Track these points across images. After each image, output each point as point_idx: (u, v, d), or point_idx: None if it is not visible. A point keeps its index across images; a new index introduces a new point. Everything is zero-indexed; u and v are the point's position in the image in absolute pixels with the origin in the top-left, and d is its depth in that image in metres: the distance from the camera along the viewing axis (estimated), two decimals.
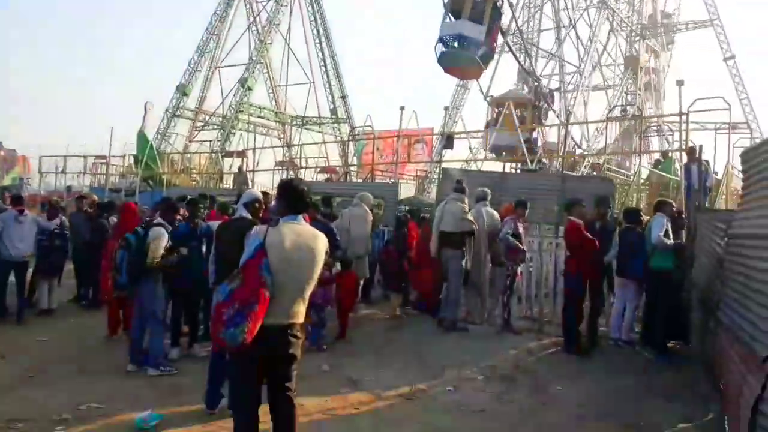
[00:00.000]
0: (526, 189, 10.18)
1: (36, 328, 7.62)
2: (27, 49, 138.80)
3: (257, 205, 5.70)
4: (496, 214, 8.04)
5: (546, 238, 8.77)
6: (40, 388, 5.33)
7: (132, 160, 23.08)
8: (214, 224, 6.50)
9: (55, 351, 6.67)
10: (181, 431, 4.39)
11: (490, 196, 8.26)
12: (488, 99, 23.63)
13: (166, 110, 34.41)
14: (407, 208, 12.00)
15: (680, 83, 10.51)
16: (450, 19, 19.64)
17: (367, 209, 8.58)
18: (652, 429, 4.77)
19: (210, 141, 31.90)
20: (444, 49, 19.35)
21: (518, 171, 16.83)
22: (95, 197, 11.50)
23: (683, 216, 7.93)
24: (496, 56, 24.63)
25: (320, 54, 37.46)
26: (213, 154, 26.02)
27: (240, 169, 20.22)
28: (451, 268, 7.63)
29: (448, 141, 18.14)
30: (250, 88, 33.25)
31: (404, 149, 18.61)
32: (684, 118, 10.41)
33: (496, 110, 21.73)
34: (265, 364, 3.37)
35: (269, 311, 3.20)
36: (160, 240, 5.93)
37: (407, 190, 17.64)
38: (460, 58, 19.67)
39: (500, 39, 21.53)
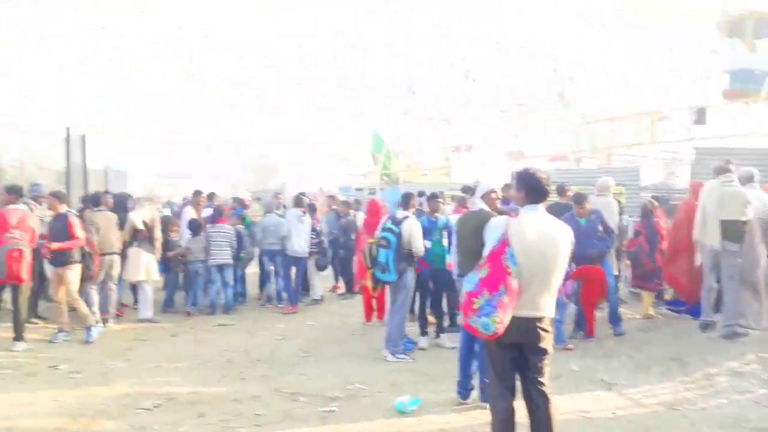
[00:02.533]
0: None
1: (308, 314, 8.76)
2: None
3: (493, 195, 5.71)
4: (767, 197, 6.80)
5: None
6: (314, 366, 6.09)
7: (372, 159, 25.02)
8: (454, 217, 6.73)
9: (322, 334, 7.58)
10: (439, 418, 4.59)
11: (757, 177, 7.02)
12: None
13: (397, 109, 36.46)
14: (653, 194, 10.88)
15: None
16: None
17: (612, 198, 7.97)
18: None
19: (437, 136, 32.98)
20: None
21: None
22: (342, 196, 12.78)
23: None
24: None
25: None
26: (443, 150, 26.88)
27: None
28: (727, 264, 6.60)
29: (699, 115, 15.95)
30: (473, 79, 33.41)
31: (647, 130, 16.93)
32: None
33: None
34: (517, 356, 3.38)
35: (517, 302, 3.19)
36: (418, 231, 6.25)
37: (651, 174, 16.01)
38: None
39: None
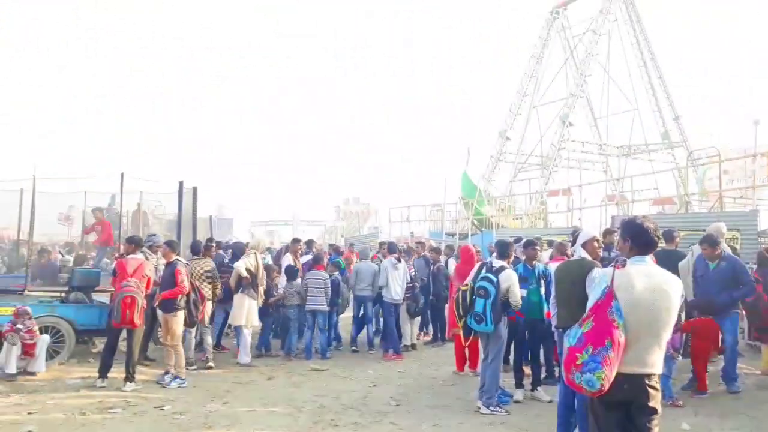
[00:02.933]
0: None
1: (399, 362, 8.70)
2: (375, 129, 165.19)
3: (596, 244, 5.50)
4: None
5: None
6: (405, 416, 5.98)
7: (462, 204, 24.90)
8: (552, 265, 6.48)
9: (413, 382, 7.47)
10: None
11: None
12: None
13: (491, 156, 36.33)
14: None
15: None
16: None
17: (725, 245, 7.36)
18: None
19: (531, 180, 32.36)
20: None
21: None
22: (433, 242, 12.73)
23: None
24: None
25: (646, 77, 34.87)
26: (537, 194, 26.27)
27: None
28: None
29: None
30: (571, 124, 32.74)
31: (762, 170, 15.66)
32: None
33: None
34: (623, 416, 3.15)
35: (624, 358, 3.00)
36: (514, 281, 6.09)
37: None
38: None
39: None
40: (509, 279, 6.04)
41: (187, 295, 7.26)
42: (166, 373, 7.18)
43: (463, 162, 30.06)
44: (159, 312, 7.41)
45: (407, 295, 9.28)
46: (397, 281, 9.01)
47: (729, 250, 7.40)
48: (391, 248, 9.56)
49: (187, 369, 7.38)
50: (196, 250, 8.60)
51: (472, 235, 20.78)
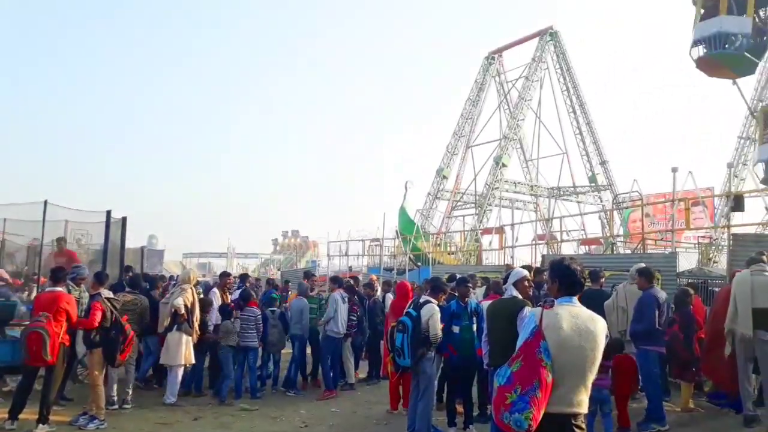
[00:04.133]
0: None
1: (332, 400, 8.53)
2: (316, 159, 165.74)
3: (526, 283, 5.66)
4: None
5: None
6: None
7: (400, 240, 25.14)
8: (485, 303, 6.61)
9: (345, 422, 7.35)
10: None
11: None
12: (756, 114, 19.57)
13: (428, 193, 37.07)
14: (689, 281, 10.56)
15: None
16: (704, 17, 17.17)
17: None
18: None
19: (465, 216, 33.19)
20: (702, 53, 16.99)
21: None
22: (374, 277, 12.74)
23: None
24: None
25: (574, 123, 36.81)
26: (472, 232, 26.90)
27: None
28: (763, 354, 6.33)
29: (736, 202, 15.69)
30: (504, 165, 33.97)
31: (681, 214, 16.70)
32: None
33: None
34: None
35: (551, 398, 3.06)
36: (435, 316, 6.15)
37: (687, 260, 15.63)
38: (724, 58, 16.91)
39: None
40: (429, 311, 6.11)
41: (107, 332, 6.86)
42: (84, 414, 6.74)
43: (401, 197, 30.62)
44: (81, 349, 6.99)
45: (353, 330, 9.21)
46: (343, 315, 8.91)
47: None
48: (337, 281, 9.50)
49: (107, 409, 6.96)
50: (133, 284, 8.21)
51: (409, 270, 20.95)
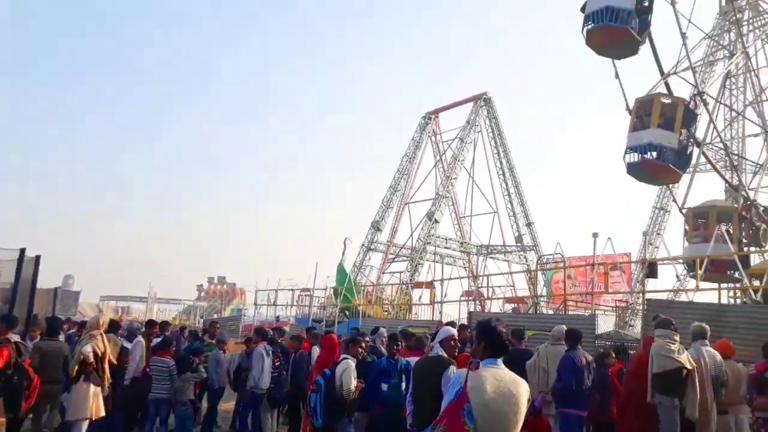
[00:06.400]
0: (751, 324, 8.79)
1: None
2: (249, 209, 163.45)
3: (452, 342, 5.70)
4: (718, 355, 7.00)
5: None
6: None
7: (332, 291, 24.92)
8: (413, 360, 6.58)
9: None
10: None
11: (708, 333, 7.25)
12: (684, 210, 21.23)
13: (362, 245, 37.20)
14: (606, 343, 11.02)
15: None
16: (638, 127, 18.69)
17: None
18: None
19: (400, 272, 33.38)
20: (633, 160, 18.39)
21: (745, 302, 14.53)
22: (302, 328, 12.45)
23: None
24: (693, 173, 22.48)
25: (504, 185, 38.35)
26: (403, 286, 27.03)
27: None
28: (662, 417, 6.62)
29: (650, 269, 16.68)
30: (437, 221, 34.74)
31: (600, 278, 17.52)
32: None
33: (696, 223, 19.68)
34: None
35: None
36: (349, 371, 6.02)
37: (606, 322, 16.31)
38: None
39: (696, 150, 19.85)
40: (343, 367, 6.02)
41: (9, 380, 6.32)
42: None
43: (340, 253, 30.51)
44: None
45: (271, 385, 8.91)
46: (268, 369, 8.65)
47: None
48: (261, 333, 9.23)
49: None
50: (51, 329, 7.66)
51: (339, 322, 20.68)
